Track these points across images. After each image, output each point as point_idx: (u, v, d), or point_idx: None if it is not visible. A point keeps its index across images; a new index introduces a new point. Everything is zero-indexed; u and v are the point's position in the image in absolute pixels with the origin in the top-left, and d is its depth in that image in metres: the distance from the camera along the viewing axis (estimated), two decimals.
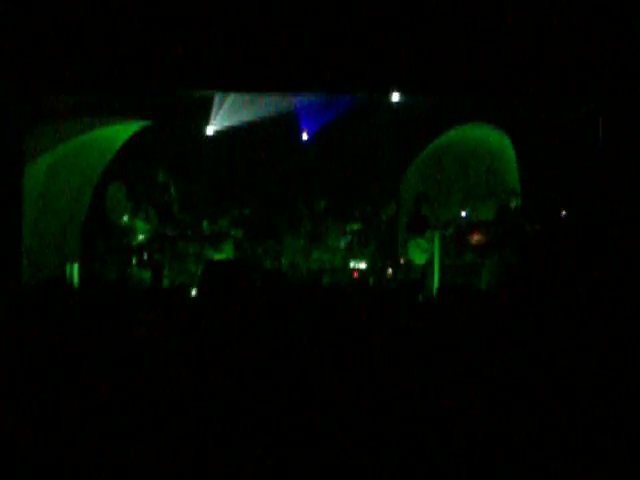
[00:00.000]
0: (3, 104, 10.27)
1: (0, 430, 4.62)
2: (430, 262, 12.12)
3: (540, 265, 11.22)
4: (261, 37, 9.83)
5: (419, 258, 12.38)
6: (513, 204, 12.30)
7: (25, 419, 4.73)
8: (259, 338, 5.74)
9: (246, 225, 13.09)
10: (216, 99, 13.24)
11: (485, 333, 6.06)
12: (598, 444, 4.78)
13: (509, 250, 11.77)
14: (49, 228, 12.43)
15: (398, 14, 9.81)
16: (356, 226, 13.22)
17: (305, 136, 13.99)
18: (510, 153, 13.44)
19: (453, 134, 13.89)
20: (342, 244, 13.17)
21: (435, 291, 10.70)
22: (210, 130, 13.53)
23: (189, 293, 10.75)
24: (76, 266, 12.11)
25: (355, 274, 12.89)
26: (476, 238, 12.30)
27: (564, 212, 12.13)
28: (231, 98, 13.22)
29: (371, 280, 12.69)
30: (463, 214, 12.93)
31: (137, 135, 13.27)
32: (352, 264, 12.97)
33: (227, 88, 11.50)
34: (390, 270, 12.95)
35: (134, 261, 12.30)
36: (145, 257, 12.31)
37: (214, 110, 13.36)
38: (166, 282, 12.19)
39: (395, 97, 11.41)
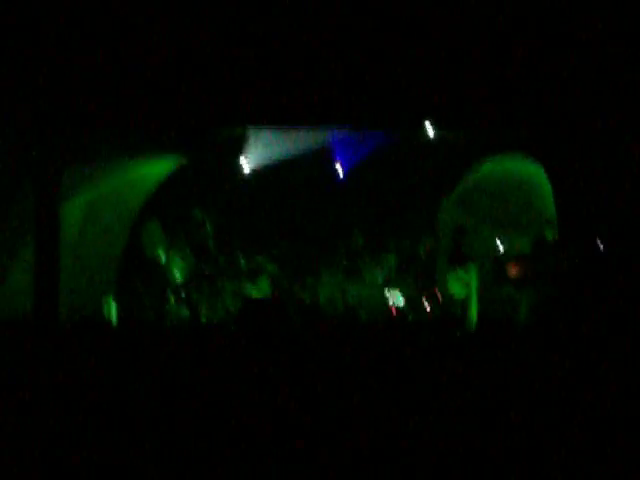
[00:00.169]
0: (42, 143, 10.39)
1: (41, 467, 4.63)
2: (469, 296, 12.03)
3: (579, 299, 11.12)
4: (297, 73, 9.88)
5: (459, 292, 12.30)
6: (550, 236, 12.21)
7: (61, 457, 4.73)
8: (297, 375, 5.72)
9: (283, 261, 13.07)
10: (251, 135, 13.29)
11: (525, 369, 6.01)
12: None
13: (548, 283, 11.67)
14: (86, 266, 12.48)
15: (431, 50, 9.83)
16: (393, 260, 13.17)
17: (341, 171, 13.99)
18: (545, 184, 13.37)
19: (488, 166, 13.84)
20: (380, 279, 13.11)
21: (474, 325, 10.63)
22: (245, 166, 13.57)
23: (228, 331, 10.73)
24: (113, 304, 12.14)
25: (393, 310, 12.82)
26: (514, 271, 12.22)
27: (602, 244, 12.03)
28: (266, 134, 13.26)
29: (410, 316, 12.62)
30: (501, 247, 12.86)
31: (173, 173, 13.33)
32: (390, 299, 12.89)
33: (262, 123, 11.56)
34: (428, 304, 12.87)
35: (172, 299, 12.32)
36: (183, 295, 12.33)
37: (249, 146, 13.41)
38: (204, 319, 12.19)
39: (430, 131, 11.42)
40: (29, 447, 4.81)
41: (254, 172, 13.64)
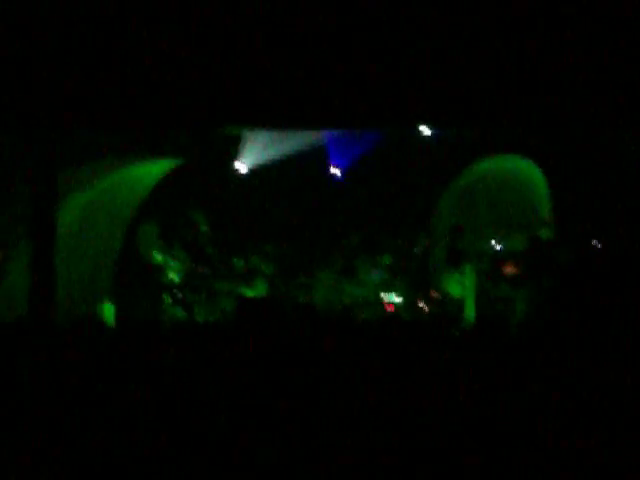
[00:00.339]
0: (38, 144, 10.38)
1: (36, 467, 4.63)
2: (465, 294, 12.06)
3: (574, 296, 11.13)
4: (290, 74, 9.88)
5: (456, 291, 12.33)
6: (545, 235, 12.22)
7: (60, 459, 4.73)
8: (293, 374, 5.72)
9: (278, 261, 13.08)
10: (246, 136, 13.29)
11: (521, 366, 6.01)
12: None
13: (543, 281, 11.68)
14: (82, 267, 12.48)
15: (426, 49, 9.84)
16: (388, 260, 13.17)
17: (336, 171, 14.00)
18: (541, 183, 13.40)
19: (484, 166, 13.86)
20: (375, 278, 13.12)
21: (471, 324, 10.65)
22: (241, 167, 13.58)
23: (224, 331, 10.72)
24: (109, 305, 12.14)
25: (388, 308, 12.83)
26: (510, 269, 12.24)
27: (597, 242, 12.06)
28: (261, 135, 13.27)
29: (405, 315, 12.62)
30: (497, 246, 12.88)
31: (169, 174, 13.33)
32: (385, 299, 12.90)
33: (257, 125, 11.55)
34: (424, 304, 12.88)
35: (167, 300, 12.32)
36: (179, 295, 12.33)
37: (244, 147, 13.41)
38: (200, 319, 12.19)
39: (425, 131, 11.43)
40: (27, 447, 4.82)
41: (249, 173, 13.65)
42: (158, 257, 12.48)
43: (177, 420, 5.08)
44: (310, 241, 13.56)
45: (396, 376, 6.01)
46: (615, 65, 9.78)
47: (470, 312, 11.78)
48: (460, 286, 12.29)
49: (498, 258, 12.51)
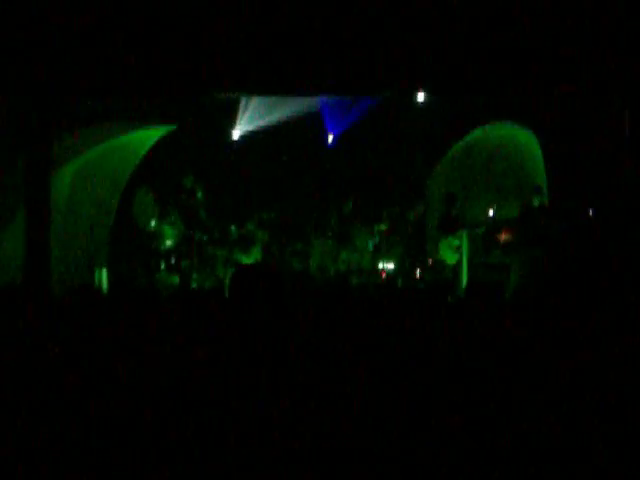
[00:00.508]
0: (31, 111, 10.34)
1: (21, 441, 4.64)
2: (460, 262, 12.10)
3: (566, 263, 11.15)
4: (285, 40, 9.83)
5: (451, 258, 12.35)
6: (537, 202, 12.13)
7: (47, 429, 4.74)
8: (287, 341, 5.74)
9: (273, 228, 13.10)
10: (241, 102, 13.27)
11: (513, 333, 6.03)
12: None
13: (537, 248, 11.68)
14: (77, 234, 12.47)
15: (421, 16, 9.79)
16: (383, 227, 13.19)
17: (330, 137, 13.99)
18: (536, 151, 13.38)
19: (479, 133, 13.86)
20: (370, 245, 13.15)
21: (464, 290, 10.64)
22: (236, 133, 13.56)
23: (218, 297, 10.75)
24: (104, 272, 12.15)
25: (383, 275, 12.87)
26: (504, 237, 12.25)
27: (591, 210, 12.04)
28: (256, 101, 13.24)
29: (399, 281, 12.66)
30: (491, 213, 12.88)
31: (163, 140, 13.31)
32: (380, 265, 12.95)
33: (251, 91, 11.52)
34: (418, 271, 12.92)
35: (162, 266, 12.33)
36: (173, 262, 12.35)
37: (239, 113, 13.39)
38: (194, 286, 12.21)
39: (420, 97, 11.41)
40: (21, 420, 4.82)
41: (244, 139, 13.64)
42: (153, 223, 12.48)
43: (173, 388, 5.08)
44: (305, 208, 13.58)
45: (391, 344, 6.01)
46: (608, 29, 9.74)
47: (462, 279, 11.82)
48: (455, 253, 12.32)
49: (493, 225, 12.51)
